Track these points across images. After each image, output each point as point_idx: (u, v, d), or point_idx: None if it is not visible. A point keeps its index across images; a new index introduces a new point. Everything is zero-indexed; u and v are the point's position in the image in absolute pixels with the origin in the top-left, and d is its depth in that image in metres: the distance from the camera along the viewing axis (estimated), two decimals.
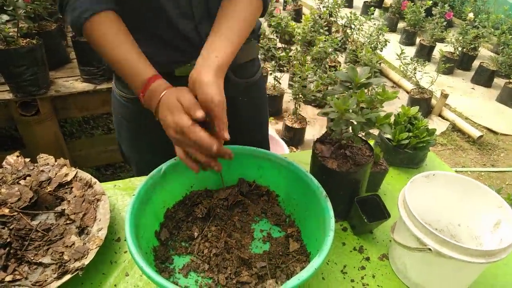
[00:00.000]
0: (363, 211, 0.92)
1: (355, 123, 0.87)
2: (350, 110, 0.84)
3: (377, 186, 1.13)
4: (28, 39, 1.48)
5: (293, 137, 3.04)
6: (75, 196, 0.96)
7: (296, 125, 3.00)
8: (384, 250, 0.94)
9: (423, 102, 3.67)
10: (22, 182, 0.99)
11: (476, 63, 4.79)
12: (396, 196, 1.10)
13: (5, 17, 1.26)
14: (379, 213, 0.93)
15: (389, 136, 1.22)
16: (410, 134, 1.17)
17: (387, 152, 1.20)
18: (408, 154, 1.18)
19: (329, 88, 3.48)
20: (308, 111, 3.49)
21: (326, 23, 4.73)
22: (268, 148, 1.26)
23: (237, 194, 1.00)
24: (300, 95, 2.78)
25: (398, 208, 0.82)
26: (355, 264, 0.89)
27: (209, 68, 0.78)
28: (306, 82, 2.77)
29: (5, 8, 1.31)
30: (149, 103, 0.83)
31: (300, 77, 2.71)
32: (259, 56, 1.20)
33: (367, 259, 0.91)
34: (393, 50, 4.44)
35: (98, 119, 2.90)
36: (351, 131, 0.90)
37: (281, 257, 0.86)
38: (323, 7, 5.19)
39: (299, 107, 2.93)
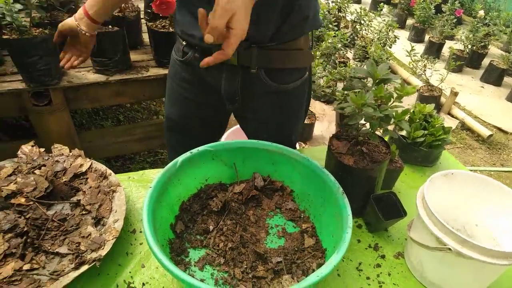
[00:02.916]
0: (379, 209, 0.91)
1: (373, 119, 0.86)
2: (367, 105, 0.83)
3: (391, 184, 1.12)
4: (40, 29, 1.48)
5: (302, 133, 3.03)
6: (90, 187, 0.96)
7: (305, 121, 2.99)
8: (399, 248, 0.93)
9: (432, 100, 3.65)
10: (37, 172, 0.99)
11: (486, 61, 4.74)
12: (410, 194, 1.11)
13: (18, 6, 1.25)
14: (395, 211, 0.93)
15: (403, 133, 1.21)
16: (426, 132, 1.16)
17: (402, 150, 1.19)
18: (423, 152, 1.18)
19: (339, 84, 3.47)
20: (317, 107, 3.48)
21: (334, 18, 4.70)
22: None
23: (251, 189, 1.00)
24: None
25: (417, 206, 0.81)
26: (370, 261, 0.89)
27: None
28: (315, 78, 2.75)
29: None
30: None
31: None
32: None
33: (383, 257, 0.90)
34: (401, 46, 4.40)
35: (107, 111, 2.91)
36: (368, 127, 0.90)
37: (297, 252, 0.86)
38: (332, 2, 5.15)
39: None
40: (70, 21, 1.12)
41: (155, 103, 3.17)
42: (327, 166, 0.99)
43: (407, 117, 0.88)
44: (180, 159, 0.91)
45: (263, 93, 1.09)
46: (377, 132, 0.90)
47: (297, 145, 2.44)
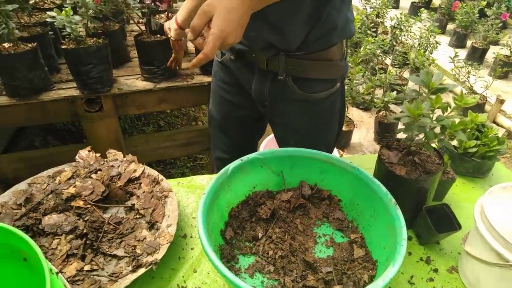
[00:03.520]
0: (431, 221, 0.89)
1: (428, 129, 0.84)
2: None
3: (442, 195, 1.09)
4: (95, 38, 1.56)
5: (340, 140, 3.00)
6: (144, 192, 1.00)
7: (343, 128, 2.96)
8: (452, 262, 0.90)
9: (477, 108, 3.51)
10: (94, 176, 1.03)
11: None
12: (462, 206, 1.07)
13: (77, 18, 1.32)
14: (448, 224, 0.90)
15: (454, 143, 1.17)
16: (478, 142, 1.12)
17: (452, 160, 1.15)
18: (475, 163, 1.14)
19: (377, 91, 3.41)
20: (355, 114, 3.44)
21: (372, 24, 4.63)
22: None
23: (299, 197, 1.00)
24: (349, 97, 2.74)
25: (475, 219, 0.79)
26: (422, 275, 0.87)
27: None
28: (353, 85, 2.72)
29: (77, 9, 1.38)
30: None
31: (349, 79, 2.67)
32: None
33: (435, 270, 0.88)
34: (441, 52, 4.27)
35: (149, 116, 3.00)
36: (421, 137, 0.88)
37: (346, 263, 0.85)
38: (370, 7, 5.08)
39: (347, 109, 2.89)
40: (165, 26, 1.29)
41: (194, 109, 3.24)
42: (377, 176, 0.97)
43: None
44: (231, 166, 0.93)
45: (290, 100, 1.10)
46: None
47: (337, 153, 2.42)
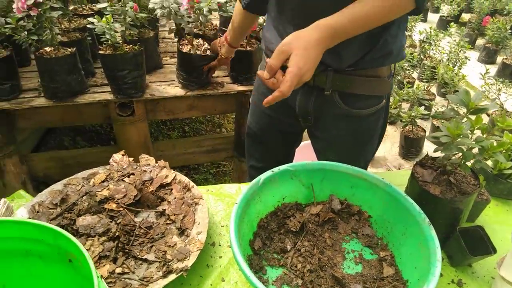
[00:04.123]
0: (464, 243, 0.87)
1: (465, 149, 0.83)
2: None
3: (475, 216, 1.06)
4: (131, 45, 1.60)
5: None
6: (175, 198, 1.01)
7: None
8: (486, 287, 0.88)
9: None
10: (126, 180, 1.06)
11: None
12: (496, 229, 1.04)
13: (116, 25, 1.37)
14: (482, 246, 0.88)
15: (488, 163, 1.15)
16: None
17: (486, 181, 1.13)
18: (510, 185, 1.11)
19: (404, 105, 3.36)
20: None
21: None
22: None
23: (328, 211, 1.00)
24: None
25: None
26: None
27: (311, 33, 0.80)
28: None
29: (116, 16, 1.42)
30: None
31: None
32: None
33: None
34: (470, 68, 4.18)
35: (175, 121, 3.05)
36: (458, 156, 0.86)
37: (376, 281, 0.84)
38: None
39: None
40: (216, 43, 1.44)
41: (219, 116, 3.27)
42: (409, 194, 0.96)
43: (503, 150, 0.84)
44: (262, 177, 0.93)
45: (335, 116, 1.09)
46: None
47: None
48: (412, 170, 0.96)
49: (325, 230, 0.98)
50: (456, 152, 0.83)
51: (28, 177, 1.85)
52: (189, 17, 1.42)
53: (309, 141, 1.31)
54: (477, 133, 0.84)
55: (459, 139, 0.79)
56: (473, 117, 0.83)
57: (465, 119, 0.85)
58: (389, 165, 2.97)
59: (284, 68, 0.83)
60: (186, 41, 1.63)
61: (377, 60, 0.98)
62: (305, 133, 1.33)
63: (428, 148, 3.15)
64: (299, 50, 0.78)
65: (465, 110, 0.84)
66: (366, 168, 1.27)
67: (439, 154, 0.90)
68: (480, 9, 5.82)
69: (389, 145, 3.22)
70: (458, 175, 0.93)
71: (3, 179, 1.72)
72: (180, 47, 1.63)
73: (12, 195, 1.11)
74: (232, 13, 1.79)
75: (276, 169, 0.96)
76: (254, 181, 0.92)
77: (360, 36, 0.87)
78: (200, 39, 1.68)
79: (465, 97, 0.83)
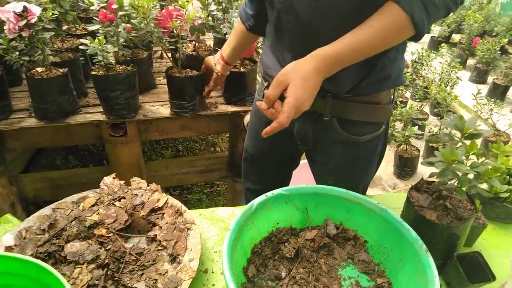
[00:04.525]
0: (462, 269, 0.85)
1: (460, 174, 0.82)
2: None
3: (471, 241, 1.05)
4: (123, 65, 1.60)
5: None
6: (166, 223, 0.99)
7: None
8: None
9: None
10: (117, 204, 1.03)
11: None
12: (493, 254, 1.03)
13: (109, 46, 1.36)
14: (480, 273, 0.86)
15: (483, 187, 1.14)
16: (510, 187, 1.08)
17: (482, 205, 1.12)
18: (507, 208, 1.10)
19: (397, 124, 3.38)
20: None
21: None
22: None
23: (323, 236, 0.98)
24: None
25: None
26: None
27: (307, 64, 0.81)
28: None
29: (108, 37, 1.42)
30: None
31: None
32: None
33: None
34: (462, 87, 4.23)
35: (168, 140, 3.03)
36: (453, 181, 0.85)
37: None
38: None
39: None
40: (210, 60, 1.41)
41: (213, 135, 3.26)
42: (405, 219, 0.94)
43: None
44: (255, 202, 0.92)
45: (334, 141, 1.08)
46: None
47: None
48: (408, 195, 0.95)
49: (321, 255, 0.95)
50: (452, 178, 0.82)
51: (17, 199, 1.81)
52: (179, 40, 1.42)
53: (306, 161, 1.30)
54: (472, 157, 0.84)
55: (454, 165, 0.78)
56: (467, 142, 0.83)
57: (460, 143, 0.84)
58: (384, 184, 2.96)
59: (282, 98, 0.82)
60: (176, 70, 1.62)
61: (375, 84, 0.98)
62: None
63: (423, 168, 3.16)
64: (297, 80, 0.79)
65: (459, 134, 0.84)
66: (365, 192, 1.25)
67: (434, 178, 0.89)
68: (470, 30, 5.94)
69: (384, 164, 3.22)
70: (454, 199, 0.92)
71: None
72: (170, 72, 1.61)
73: None
74: (227, 34, 1.81)
75: (269, 194, 0.95)
76: (247, 206, 0.90)
77: (356, 63, 0.86)
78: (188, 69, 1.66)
79: (459, 122, 0.83)
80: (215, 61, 1.35)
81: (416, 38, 0.82)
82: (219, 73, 1.36)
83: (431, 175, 0.83)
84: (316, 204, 1.00)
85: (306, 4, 0.87)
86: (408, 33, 0.80)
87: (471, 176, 0.82)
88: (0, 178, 1.67)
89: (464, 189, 0.89)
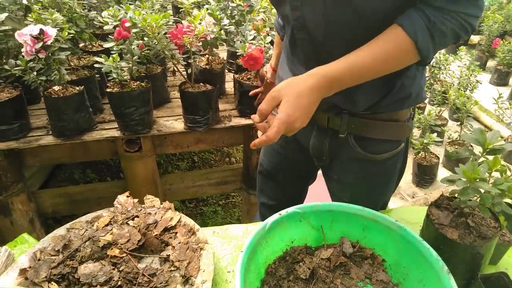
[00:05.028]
0: None
1: (483, 191, 0.78)
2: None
3: (496, 259, 1.00)
4: (138, 81, 1.61)
5: None
6: (179, 243, 0.98)
7: None
8: None
9: None
10: (131, 223, 1.03)
11: None
12: None
13: (123, 64, 1.38)
14: None
15: (507, 200, 1.09)
16: None
17: (507, 220, 1.07)
18: None
19: (415, 131, 3.30)
20: None
21: None
22: None
23: (339, 255, 0.95)
24: None
25: None
26: None
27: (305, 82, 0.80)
28: None
29: (123, 55, 1.44)
30: None
31: None
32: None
33: None
34: (482, 90, 4.12)
35: (183, 152, 3.05)
36: (475, 198, 0.82)
37: None
38: None
39: None
40: (263, 71, 1.47)
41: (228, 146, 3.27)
42: (425, 237, 0.91)
43: None
44: (269, 221, 0.90)
45: (350, 159, 1.05)
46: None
47: None
48: (428, 211, 0.91)
49: (337, 275, 0.93)
50: (474, 196, 0.79)
51: (36, 215, 1.84)
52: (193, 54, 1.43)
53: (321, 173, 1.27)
54: (496, 172, 0.80)
55: (476, 183, 0.74)
56: (490, 157, 0.79)
57: (482, 158, 0.81)
58: (403, 193, 2.89)
59: None
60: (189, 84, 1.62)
61: (394, 104, 0.95)
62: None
63: (443, 175, 3.07)
64: (290, 97, 0.77)
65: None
66: (384, 208, 1.22)
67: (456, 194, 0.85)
68: (489, 31, 5.80)
69: None
70: (477, 216, 0.88)
71: (10, 217, 1.71)
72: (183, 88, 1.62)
73: (15, 240, 1.09)
74: (238, 48, 1.81)
75: (283, 212, 0.93)
76: (260, 225, 0.88)
77: (373, 81, 0.83)
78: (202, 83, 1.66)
79: (481, 137, 0.79)
80: (266, 70, 1.40)
81: (422, 63, 0.80)
82: (269, 80, 1.38)
83: (452, 193, 0.80)
84: (332, 222, 0.97)
85: (317, 22, 0.85)
86: (412, 59, 0.78)
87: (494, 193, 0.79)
88: (19, 195, 1.71)
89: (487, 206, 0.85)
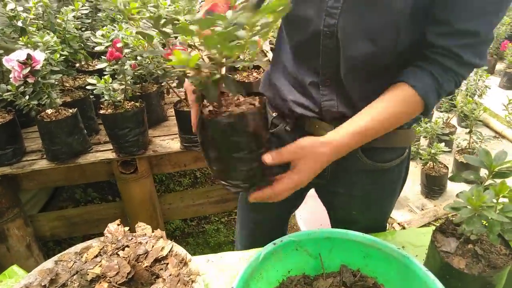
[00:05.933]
0: None
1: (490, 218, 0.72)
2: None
3: (509, 286, 0.93)
4: (132, 102, 1.58)
5: None
6: (170, 275, 0.93)
7: None
8: None
9: None
10: (121, 253, 0.99)
11: None
12: None
13: (116, 86, 1.35)
14: None
15: None
16: None
17: None
18: None
19: (422, 140, 3.22)
20: None
21: None
22: (378, 230, 1.13)
23: (339, 285, 0.89)
24: None
25: None
26: None
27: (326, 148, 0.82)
28: None
29: (116, 76, 1.41)
30: None
31: None
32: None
33: None
34: (492, 94, 4.03)
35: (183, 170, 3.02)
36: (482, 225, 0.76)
37: None
38: None
39: None
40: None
41: None
42: (430, 266, 0.85)
43: None
44: (263, 252, 0.85)
45: (357, 171, 1.03)
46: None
47: None
48: (432, 237, 0.86)
49: None
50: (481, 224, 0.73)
51: (33, 239, 1.80)
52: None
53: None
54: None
55: (482, 211, 0.68)
56: (497, 180, 0.73)
57: (488, 181, 0.75)
58: (411, 205, 2.81)
59: None
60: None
61: None
62: None
63: (453, 185, 2.98)
64: (311, 161, 0.81)
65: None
66: (388, 217, 1.20)
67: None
68: (497, 34, 5.71)
69: (410, 183, 3.07)
70: (486, 243, 0.82)
71: (7, 243, 1.68)
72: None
73: (4, 273, 1.05)
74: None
75: (278, 241, 0.88)
76: (253, 257, 0.83)
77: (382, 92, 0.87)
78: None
79: (486, 159, 0.73)
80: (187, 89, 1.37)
81: (424, 114, 0.88)
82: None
83: (457, 222, 0.74)
84: (331, 249, 0.92)
85: (351, 31, 0.85)
86: (417, 113, 0.86)
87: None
88: (15, 220, 1.67)
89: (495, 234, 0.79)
